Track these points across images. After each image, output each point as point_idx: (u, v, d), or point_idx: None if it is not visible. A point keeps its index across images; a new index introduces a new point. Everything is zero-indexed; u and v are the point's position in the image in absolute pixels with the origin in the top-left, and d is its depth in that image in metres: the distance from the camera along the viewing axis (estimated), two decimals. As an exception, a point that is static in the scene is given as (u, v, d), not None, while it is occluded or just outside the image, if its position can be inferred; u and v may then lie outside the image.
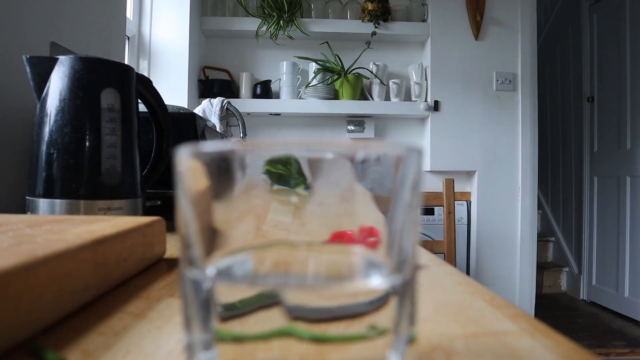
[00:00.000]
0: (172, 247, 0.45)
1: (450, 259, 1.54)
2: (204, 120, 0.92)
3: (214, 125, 1.62)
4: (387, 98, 2.36)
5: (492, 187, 2.34)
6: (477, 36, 2.34)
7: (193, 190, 0.16)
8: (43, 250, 0.23)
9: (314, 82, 2.28)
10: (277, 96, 2.36)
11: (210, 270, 0.16)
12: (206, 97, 1.96)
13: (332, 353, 0.14)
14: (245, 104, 2.24)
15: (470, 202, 2.36)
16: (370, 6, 2.29)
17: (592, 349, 2.12)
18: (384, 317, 0.15)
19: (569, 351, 0.21)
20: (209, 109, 1.70)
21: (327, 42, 2.37)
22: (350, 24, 2.34)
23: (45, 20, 0.83)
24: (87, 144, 0.54)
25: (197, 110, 1.64)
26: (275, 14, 2.24)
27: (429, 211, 2.16)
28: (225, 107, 1.71)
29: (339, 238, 0.17)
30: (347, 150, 0.15)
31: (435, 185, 2.26)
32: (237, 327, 0.15)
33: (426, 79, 2.39)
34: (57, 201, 0.52)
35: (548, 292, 3.12)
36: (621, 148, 2.65)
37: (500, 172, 2.34)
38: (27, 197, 0.55)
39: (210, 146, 0.15)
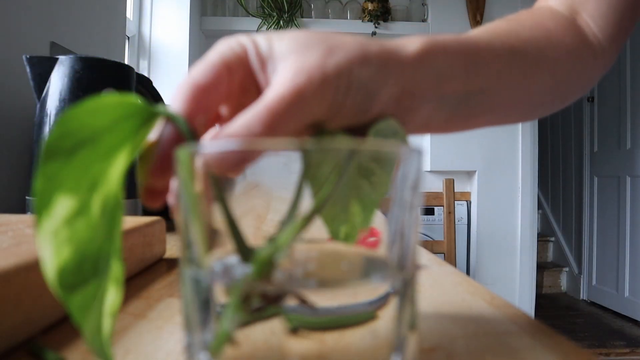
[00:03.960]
0: (172, 247, 0.45)
1: (450, 259, 1.54)
2: (204, 120, 0.92)
3: (214, 125, 1.62)
4: (387, 98, 2.35)
5: (492, 187, 2.33)
6: (477, 36, 2.34)
7: (193, 190, 0.16)
8: (43, 250, 0.23)
9: (314, 82, 2.28)
10: (277, 96, 2.36)
11: (210, 270, 0.16)
12: (206, 97, 1.96)
13: (332, 353, 0.14)
14: (245, 104, 2.24)
15: (470, 202, 2.36)
16: (370, 6, 2.29)
17: (592, 349, 2.12)
18: (385, 317, 0.15)
19: (569, 351, 0.21)
20: (209, 109, 1.69)
21: (327, 42, 2.37)
22: (350, 24, 2.34)
23: (45, 20, 0.83)
24: (87, 144, 0.54)
25: (197, 110, 1.63)
26: (275, 14, 2.24)
27: (429, 211, 2.16)
28: (225, 107, 1.71)
29: (339, 238, 0.17)
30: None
31: (435, 185, 2.26)
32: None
33: (426, 79, 2.39)
34: (57, 201, 0.52)
35: (548, 292, 3.12)
36: (621, 148, 2.64)
37: (500, 172, 2.34)
38: (27, 197, 0.55)
39: (211, 146, 0.15)
